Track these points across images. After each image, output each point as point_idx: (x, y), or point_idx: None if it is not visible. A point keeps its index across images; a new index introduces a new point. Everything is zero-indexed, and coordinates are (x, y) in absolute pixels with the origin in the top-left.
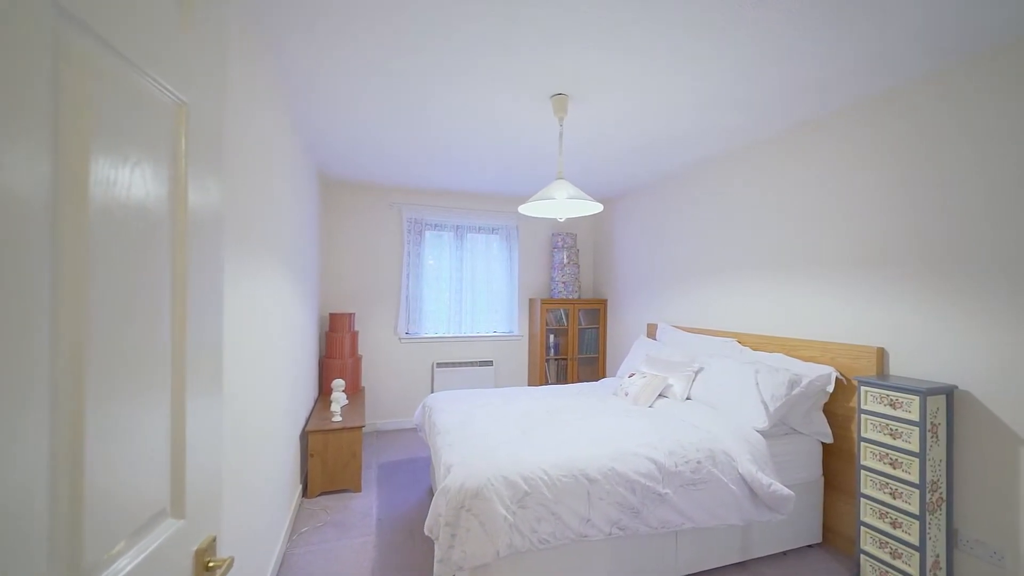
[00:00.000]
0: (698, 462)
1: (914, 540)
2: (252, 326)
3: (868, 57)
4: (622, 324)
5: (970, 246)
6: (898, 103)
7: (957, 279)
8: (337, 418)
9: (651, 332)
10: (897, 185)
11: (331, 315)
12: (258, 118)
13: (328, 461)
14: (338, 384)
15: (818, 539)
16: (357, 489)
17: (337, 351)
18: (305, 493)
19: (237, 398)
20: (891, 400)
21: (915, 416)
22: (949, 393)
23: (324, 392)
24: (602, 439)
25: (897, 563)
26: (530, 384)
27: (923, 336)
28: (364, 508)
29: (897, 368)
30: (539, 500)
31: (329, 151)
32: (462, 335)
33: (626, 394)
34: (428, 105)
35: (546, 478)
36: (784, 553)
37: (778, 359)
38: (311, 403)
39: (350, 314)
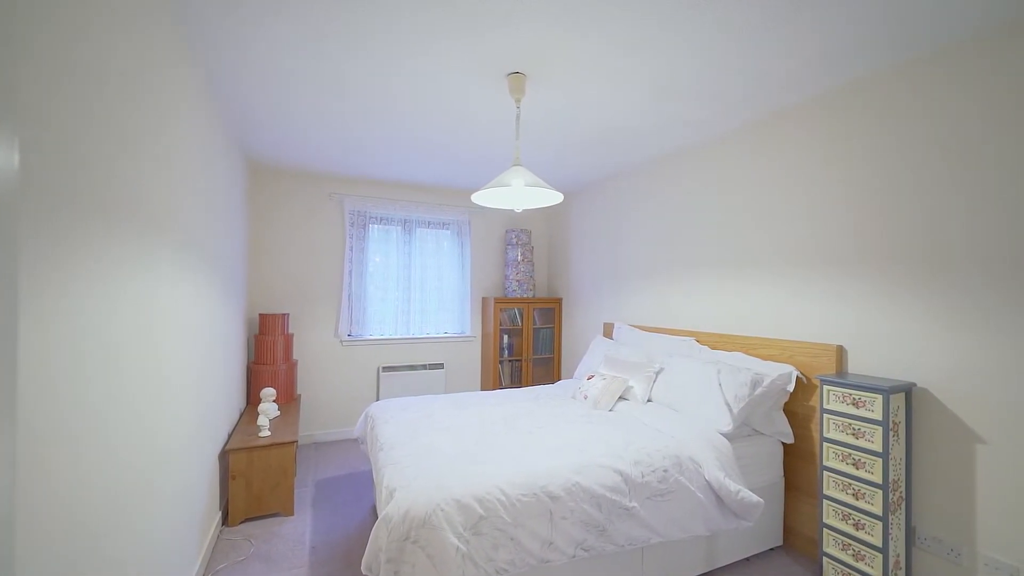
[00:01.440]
0: (665, 471)
1: (877, 541)
2: (133, 329)
3: (837, 46)
4: (578, 323)
5: (929, 244)
6: (866, 95)
7: (916, 276)
8: (265, 432)
9: (608, 332)
10: (858, 181)
11: (261, 316)
12: (148, 68)
13: (254, 482)
14: (268, 393)
15: (779, 542)
16: (289, 512)
17: (268, 356)
18: (226, 521)
19: (96, 421)
20: (854, 399)
21: (878, 415)
22: (908, 391)
23: (253, 402)
24: (564, 449)
25: (860, 565)
26: (483, 387)
27: (881, 333)
28: (296, 535)
29: (855, 366)
30: (496, 524)
31: (258, 132)
32: (410, 337)
33: (585, 397)
34: (369, 81)
35: (504, 498)
36: (747, 559)
37: (738, 358)
38: (236, 416)
39: (283, 315)
